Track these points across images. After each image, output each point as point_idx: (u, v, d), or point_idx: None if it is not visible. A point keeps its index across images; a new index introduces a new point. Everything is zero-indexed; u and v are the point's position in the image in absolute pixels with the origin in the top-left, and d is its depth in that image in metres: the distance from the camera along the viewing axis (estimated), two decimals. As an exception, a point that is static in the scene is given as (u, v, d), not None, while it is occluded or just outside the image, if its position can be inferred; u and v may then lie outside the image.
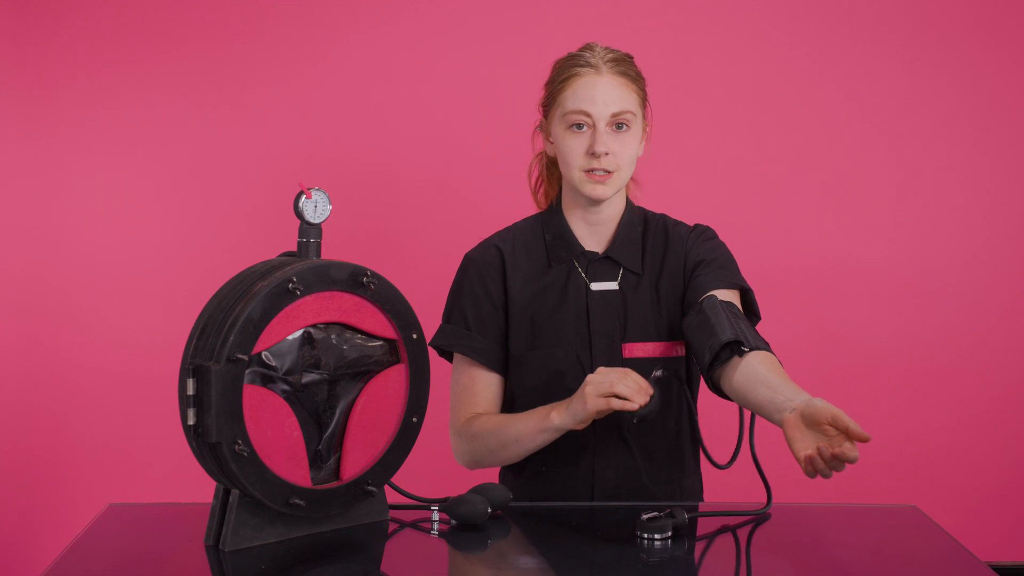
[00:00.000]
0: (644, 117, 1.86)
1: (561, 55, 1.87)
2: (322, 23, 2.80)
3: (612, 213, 1.88)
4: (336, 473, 1.57)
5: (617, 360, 1.83)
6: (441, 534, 1.60)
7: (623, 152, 1.80)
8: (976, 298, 2.89)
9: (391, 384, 1.60)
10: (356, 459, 1.57)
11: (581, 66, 1.81)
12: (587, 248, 1.89)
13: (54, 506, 2.84)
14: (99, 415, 2.83)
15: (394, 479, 1.63)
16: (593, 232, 1.89)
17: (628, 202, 1.91)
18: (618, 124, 1.79)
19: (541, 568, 1.48)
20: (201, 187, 2.82)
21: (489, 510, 1.62)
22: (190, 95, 2.80)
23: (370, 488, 1.57)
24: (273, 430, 1.48)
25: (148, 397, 2.79)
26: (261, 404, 1.46)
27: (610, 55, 1.82)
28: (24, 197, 2.79)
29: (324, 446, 1.56)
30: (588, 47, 1.84)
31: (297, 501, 1.49)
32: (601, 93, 1.79)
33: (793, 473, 2.87)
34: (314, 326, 1.52)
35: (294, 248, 1.60)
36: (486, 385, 1.88)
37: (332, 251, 1.67)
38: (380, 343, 1.59)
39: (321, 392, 1.54)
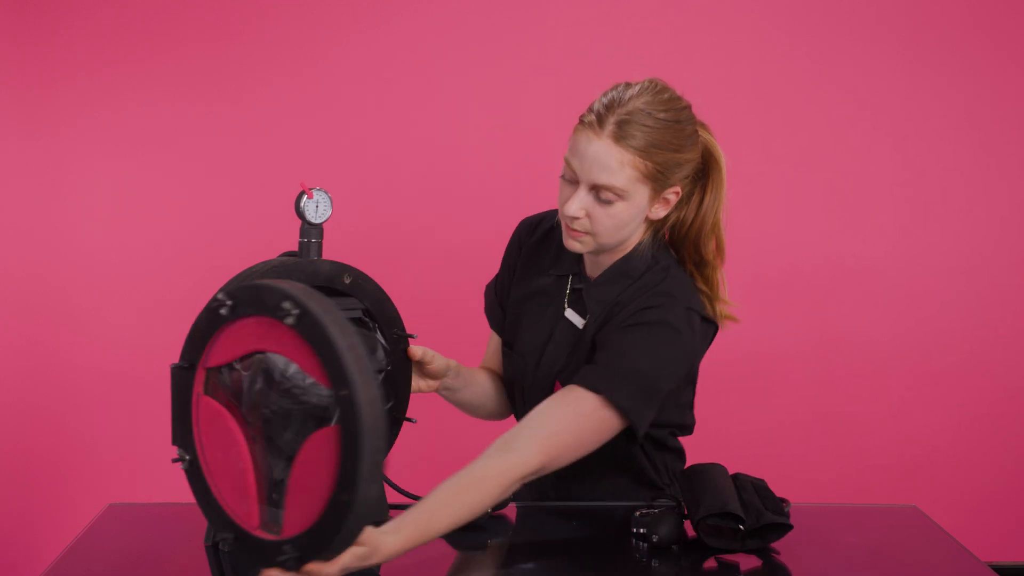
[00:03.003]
0: (654, 189, 1.62)
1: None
2: (322, 23, 2.80)
3: (610, 253, 1.72)
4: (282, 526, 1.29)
5: (548, 392, 1.71)
6: (441, 534, 1.60)
7: (601, 221, 1.61)
8: (980, 298, 2.89)
9: (321, 450, 1.23)
10: (294, 520, 1.26)
11: (589, 112, 1.60)
12: (587, 272, 1.76)
13: (54, 506, 2.84)
14: (99, 415, 2.83)
15: (394, 479, 1.63)
16: (594, 262, 1.75)
17: (636, 248, 1.71)
18: (599, 196, 1.59)
19: (541, 568, 1.48)
20: (202, 187, 2.82)
21: (489, 510, 1.62)
22: (190, 95, 2.80)
23: (284, 558, 1.26)
24: (222, 452, 1.33)
25: (148, 397, 2.79)
26: (214, 421, 1.34)
27: (625, 111, 1.57)
28: (24, 197, 2.79)
29: (277, 492, 1.30)
30: (621, 87, 1.62)
31: (226, 536, 1.31)
32: (590, 156, 1.57)
33: (793, 473, 2.87)
34: (264, 354, 1.30)
35: (295, 248, 1.60)
36: (494, 344, 1.93)
37: (333, 251, 1.67)
38: (321, 394, 1.27)
39: (278, 431, 1.31)
